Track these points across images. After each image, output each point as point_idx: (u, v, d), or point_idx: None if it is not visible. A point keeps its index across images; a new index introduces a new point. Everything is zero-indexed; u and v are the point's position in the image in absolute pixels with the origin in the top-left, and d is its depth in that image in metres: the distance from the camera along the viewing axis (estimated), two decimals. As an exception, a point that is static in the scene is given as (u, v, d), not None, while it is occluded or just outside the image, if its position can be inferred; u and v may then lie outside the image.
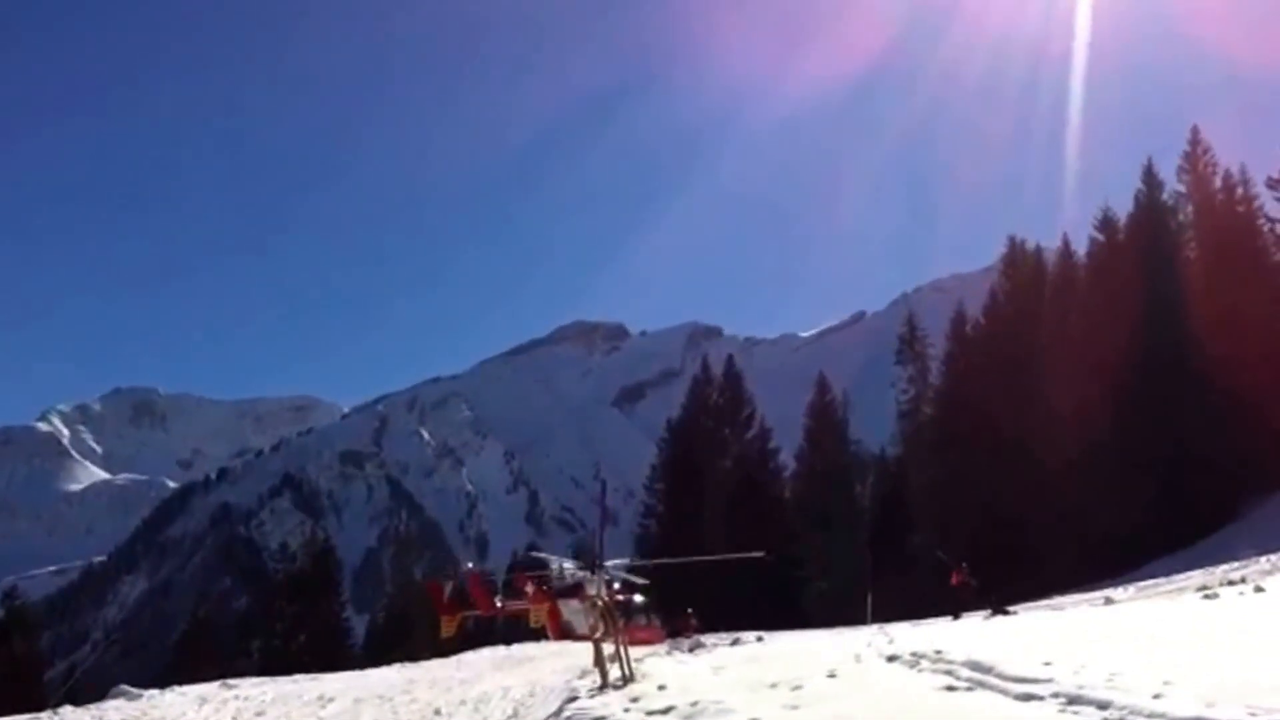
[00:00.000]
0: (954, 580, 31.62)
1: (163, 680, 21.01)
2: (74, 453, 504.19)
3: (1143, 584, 35.22)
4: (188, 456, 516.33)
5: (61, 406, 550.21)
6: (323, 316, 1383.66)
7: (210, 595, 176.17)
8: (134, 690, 17.13)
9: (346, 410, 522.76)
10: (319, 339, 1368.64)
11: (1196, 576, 32.56)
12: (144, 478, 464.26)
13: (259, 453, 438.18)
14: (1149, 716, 7.57)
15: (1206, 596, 21.47)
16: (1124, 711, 7.88)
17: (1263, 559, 33.19)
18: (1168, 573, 37.07)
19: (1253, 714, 6.92)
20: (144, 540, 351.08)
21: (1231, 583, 26.38)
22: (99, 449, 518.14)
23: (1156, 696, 8.12)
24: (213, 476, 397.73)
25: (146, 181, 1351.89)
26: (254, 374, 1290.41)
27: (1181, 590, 28.53)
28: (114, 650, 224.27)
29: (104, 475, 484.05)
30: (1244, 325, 49.26)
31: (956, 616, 30.27)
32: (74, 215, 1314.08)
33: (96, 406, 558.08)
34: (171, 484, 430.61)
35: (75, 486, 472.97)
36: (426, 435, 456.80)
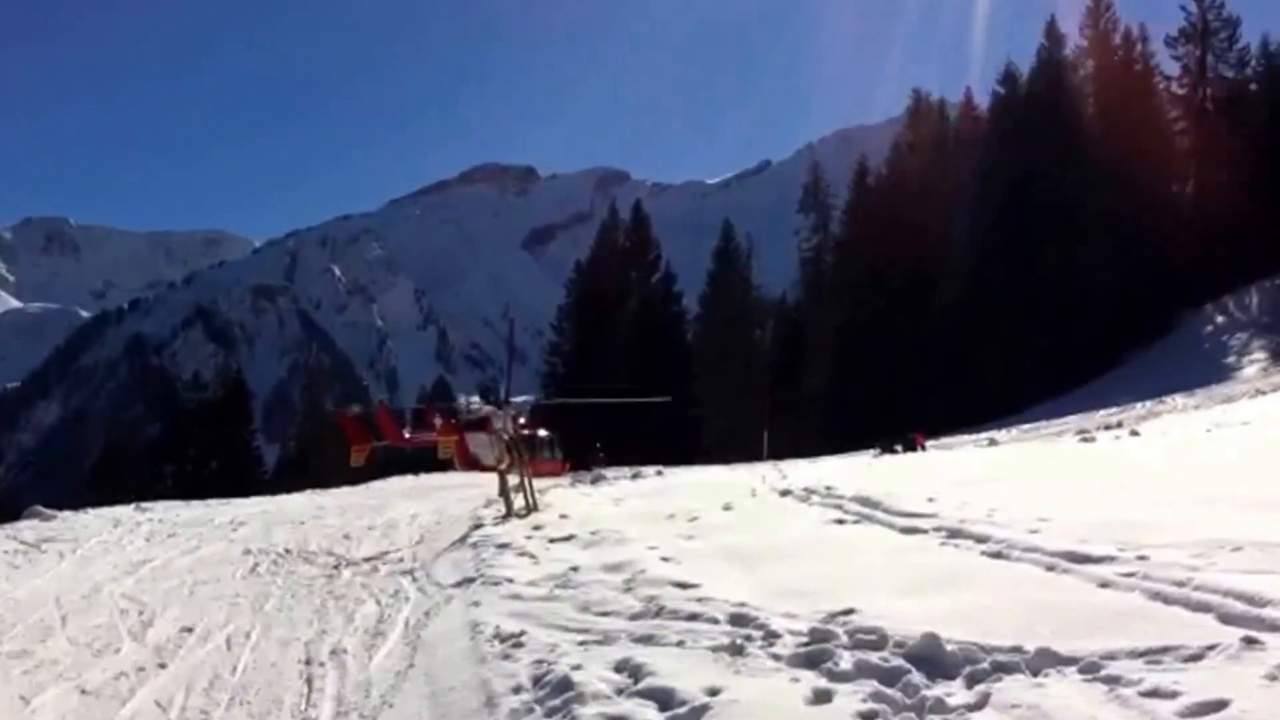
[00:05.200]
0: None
1: (77, 503, 20.80)
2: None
3: (1025, 426, 36.75)
4: (100, 287, 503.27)
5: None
6: (234, 150, 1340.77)
7: (123, 422, 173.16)
8: (48, 511, 17.00)
9: (258, 244, 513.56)
10: (231, 173, 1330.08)
11: (1076, 420, 34.11)
12: (57, 307, 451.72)
13: (171, 284, 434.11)
14: (1025, 550, 7.96)
15: (1084, 439, 22.54)
16: (1002, 545, 8.29)
17: (1139, 405, 34.87)
18: (1050, 416, 38.69)
19: (1121, 549, 7.29)
20: (57, 368, 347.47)
21: (1108, 427, 27.72)
22: (11, 278, 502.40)
23: (1033, 532, 8.54)
24: (125, 307, 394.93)
25: (55, 9, 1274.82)
26: (166, 206, 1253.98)
27: (1061, 433, 29.86)
28: (28, 473, 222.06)
29: (16, 304, 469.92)
30: (1135, 180, 50.54)
31: (891, 450, 30.93)
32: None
33: (8, 236, 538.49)
34: (84, 314, 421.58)
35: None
36: (338, 272, 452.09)
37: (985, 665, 5.27)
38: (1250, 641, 5.03)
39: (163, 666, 7.49)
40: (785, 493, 15.13)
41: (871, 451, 31.36)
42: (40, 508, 17.31)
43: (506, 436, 16.77)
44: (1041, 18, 60.89)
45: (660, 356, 58.64)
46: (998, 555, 8.11)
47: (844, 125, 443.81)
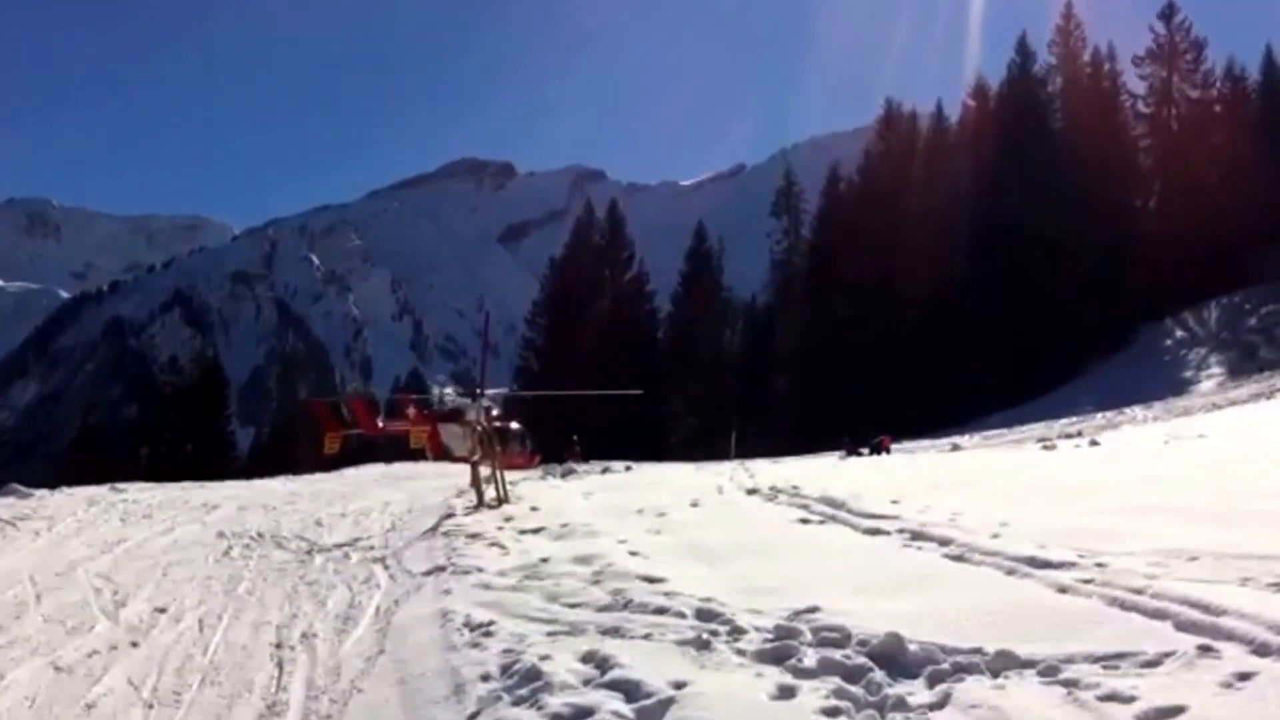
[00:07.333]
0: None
1: (52, 482, 20.80)
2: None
3: (988, 433, 36.95)
4: (81, 269, 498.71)
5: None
6: (217, 138, 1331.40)
7: (100, 403, 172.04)
8: (24, 489, 17.02)
9: (237, 232, 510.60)
10: (213, 161, 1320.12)
11: (1038, 428, 34.39)
12: (37, 286, 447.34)
13: (151, 268, 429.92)
14: (986, 554, 8.09)
15: (1045, 448, 22.76)
16: (963, 549, 8.41)
17: (1099, 415, 35.22)
18: (1012, 424, 38.97)
19: (1081, 555, 7.44)
20: (36, 348, 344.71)
21: (1069, 436, 28.00)
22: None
23: (994, 536, 8.69)
24: (105, 289, 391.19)
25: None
26: (148, 191, 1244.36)
27: (1023, 441, 30.06)
28: (4, 452, 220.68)
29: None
30: (1099, 196, 51.18)
31: (856, 453, 30.99)
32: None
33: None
34: (64, 294, 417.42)
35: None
36: (316, 261, 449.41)
37: (946, 665, 5.37)
38: (1205, 649, 5.14)
39: (135, 646, 7.53)
40: (752, 491, 15.25)
41: (838, 453, 31.51)
42: (17, 485, 17.33)
43: (479, 428, 16.81)
44: (1013, 33, 61.89)
45: (632, 353, 58.80)
46: (959, 558, 8.22)
47: (818, 132, 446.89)
